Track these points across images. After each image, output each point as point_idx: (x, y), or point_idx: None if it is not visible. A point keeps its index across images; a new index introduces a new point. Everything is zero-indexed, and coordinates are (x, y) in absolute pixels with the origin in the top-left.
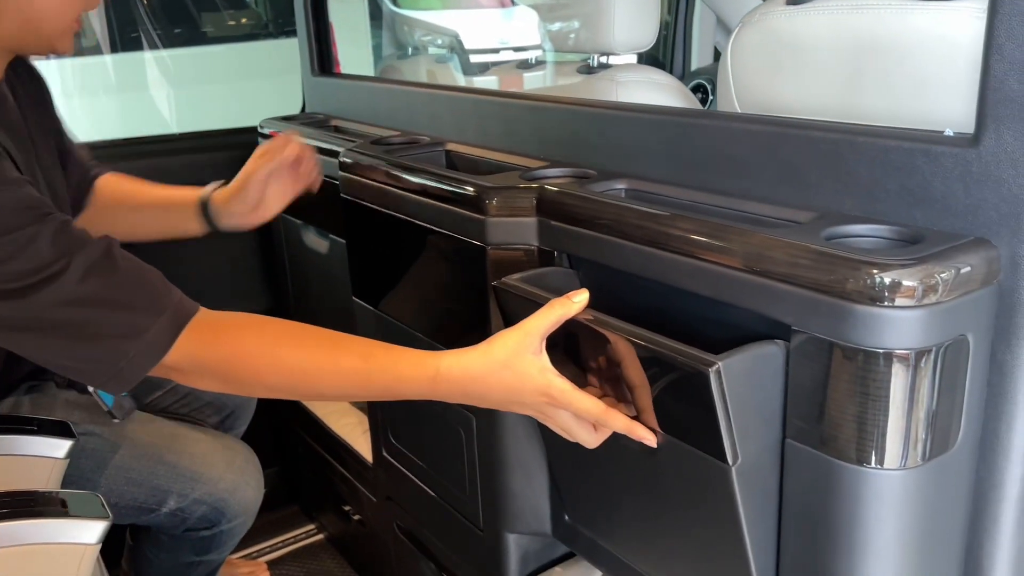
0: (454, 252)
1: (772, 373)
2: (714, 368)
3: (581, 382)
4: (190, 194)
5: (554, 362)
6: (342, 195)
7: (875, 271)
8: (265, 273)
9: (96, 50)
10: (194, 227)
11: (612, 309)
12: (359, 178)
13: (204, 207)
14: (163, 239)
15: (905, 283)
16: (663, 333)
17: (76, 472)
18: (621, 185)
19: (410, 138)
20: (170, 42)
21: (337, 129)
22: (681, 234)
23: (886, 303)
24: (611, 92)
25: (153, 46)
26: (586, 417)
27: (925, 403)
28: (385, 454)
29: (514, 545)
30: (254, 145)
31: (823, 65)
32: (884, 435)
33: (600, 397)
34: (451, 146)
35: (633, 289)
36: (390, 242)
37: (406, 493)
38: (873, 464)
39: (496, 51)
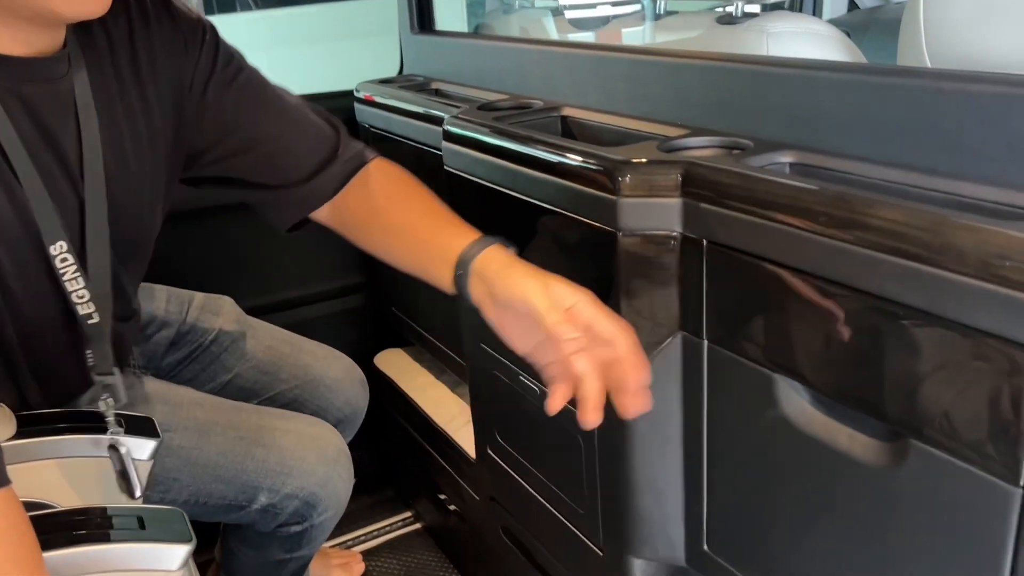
0: (578, 237)
1: None
2: None
3: None
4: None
5: None
6: (445, 167)
7: None
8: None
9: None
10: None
11: None
12: (465, 149)
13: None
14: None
15: None
16: None
17: (161, 471)
18: (785, 158)
19: (521, 103)
20: (266, 3)
21: (439, 92)
22: (885, 225)
23: None
24: (760, 45)
25: (248, 6)
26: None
27: None
28: (490, 452)
29: (640, 572)
30: (351, 110)
31: None
32: None
33: None
34: (568, 111)
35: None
36: (501, 222)
37: (513, 497)
38: None
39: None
